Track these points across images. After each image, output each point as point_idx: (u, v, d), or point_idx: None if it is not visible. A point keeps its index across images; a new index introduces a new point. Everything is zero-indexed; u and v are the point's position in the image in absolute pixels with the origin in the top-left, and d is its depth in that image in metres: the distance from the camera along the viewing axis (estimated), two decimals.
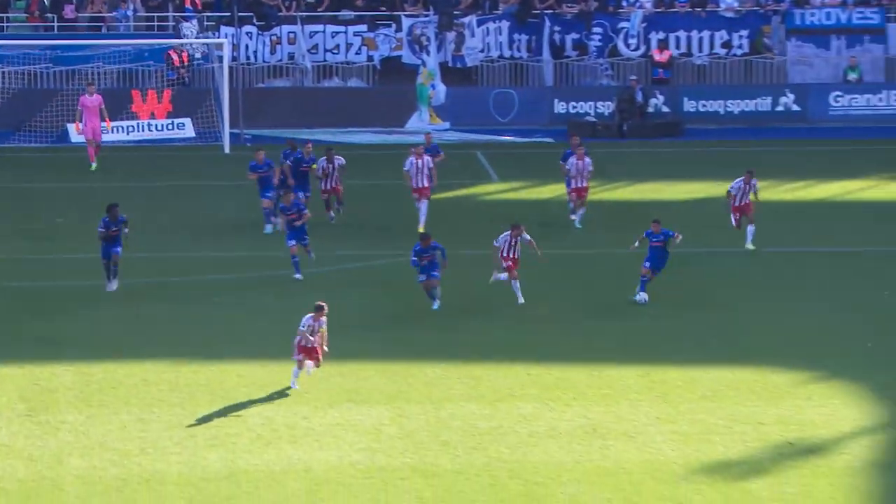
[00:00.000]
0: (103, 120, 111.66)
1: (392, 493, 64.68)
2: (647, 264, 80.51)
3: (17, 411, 69.44)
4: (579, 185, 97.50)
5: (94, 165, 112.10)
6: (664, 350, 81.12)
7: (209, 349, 79.50)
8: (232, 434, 68.97)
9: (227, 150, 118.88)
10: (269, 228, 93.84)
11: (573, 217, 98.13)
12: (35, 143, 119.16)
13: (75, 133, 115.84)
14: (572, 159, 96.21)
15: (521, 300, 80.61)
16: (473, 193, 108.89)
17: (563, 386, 76.01)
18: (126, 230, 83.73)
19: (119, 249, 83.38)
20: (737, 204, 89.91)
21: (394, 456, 67.54)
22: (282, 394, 72.54)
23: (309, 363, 69.87)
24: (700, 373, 78.41)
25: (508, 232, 79.49)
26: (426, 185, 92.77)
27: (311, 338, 69.05)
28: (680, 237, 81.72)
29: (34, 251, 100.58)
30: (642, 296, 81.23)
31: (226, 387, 74.30)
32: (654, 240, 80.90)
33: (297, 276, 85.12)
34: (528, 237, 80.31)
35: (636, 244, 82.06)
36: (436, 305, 79.10)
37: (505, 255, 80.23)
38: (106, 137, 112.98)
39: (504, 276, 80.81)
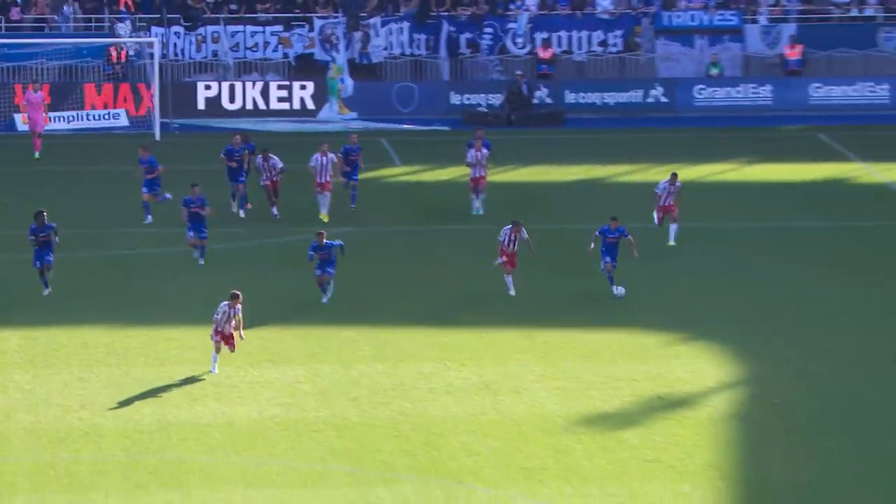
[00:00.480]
0: (45, 113, 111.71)
1: (306, 443, 66.15)
2: (608, 259, 79.50)
3: None
4: (477, 175, 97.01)
5: (37, 154, 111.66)
6: (547, 315, 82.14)
7: (142, 315, 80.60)
8: (163, 391, 70.39)
9: (157, 137, 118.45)
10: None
11: (476, 205, 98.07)
12: None
13: (21, 123, 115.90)
14: (472, 150, 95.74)
15: (512, 292, 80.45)
16: (378, 176, 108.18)
17: (460, 348, 77.63)
18: (57, 238, 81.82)
19: (51, 258, 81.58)
20: (661, 204, 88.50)
21: (308, 410, 69.27)
22: (207, 355, 72.71)
23: (226, 348, 69.53)
24: (579, 335, 79.76)
25: (510, 227, 78.98)
26: (328, 179, 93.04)
27: (227, 324, 68.68)
28: (634, 249, 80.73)
29: None
30: (619, 290, 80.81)
31: (157, 349, 75.37)
32: (610, 235, 79.76)
33: (201, 261, 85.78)
34: (525, 235, 79.51)
35: (591, 245, 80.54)
36: (325, 300, 78.19)
37: (505, 248, 79.48)
38: (50, 126, 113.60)
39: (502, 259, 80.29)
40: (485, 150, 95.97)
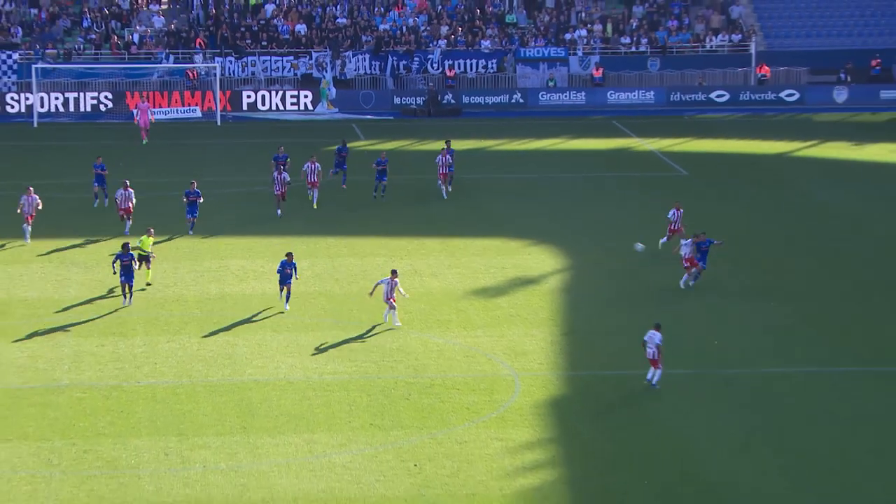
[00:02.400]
0: (151, 116, 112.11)
1: (306, 306, 71.29)
2: (701, 265, 71.14)
3: None
4: (444, 172, 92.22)
5: (144, 142, 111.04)
6: (454, 229, 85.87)
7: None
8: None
9: (218, 123, 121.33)
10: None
11: (445, 189, 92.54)
12: (122, 119, 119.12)
13: (134, 119, 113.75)
14: (439, 157, 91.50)
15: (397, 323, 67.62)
16: (351, 146, 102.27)
17: (401, 249, 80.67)
18: (201, 199, 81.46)
19: (196, 213, 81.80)
20: (674, 228, 77.70)
21: (309, 286, 73.89)
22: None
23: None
24: (473, 240, 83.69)
25: (388, 278, 66.96)
26: (316, 180, 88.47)
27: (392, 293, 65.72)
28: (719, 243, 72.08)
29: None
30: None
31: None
32: (703, 245, 71.25)
33: (190, 232, 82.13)
34: (397, 284, 67.16)
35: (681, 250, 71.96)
36: (287, 307, 68.82)
37: (385, 296, 66.89)
38: (156, 118, 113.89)
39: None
40: (448, 157, 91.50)
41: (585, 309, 70.57)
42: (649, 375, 58.79)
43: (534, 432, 55.06)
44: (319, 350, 63.95)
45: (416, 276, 74.55)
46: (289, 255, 67.10)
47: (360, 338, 65.53)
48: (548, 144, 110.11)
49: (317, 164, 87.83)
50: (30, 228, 79.56)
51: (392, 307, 65.15)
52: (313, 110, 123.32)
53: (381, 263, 75.31)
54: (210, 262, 77.33)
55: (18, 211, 79.81)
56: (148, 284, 71.15)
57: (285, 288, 66.82)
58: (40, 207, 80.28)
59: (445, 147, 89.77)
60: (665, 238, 76.51)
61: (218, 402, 57.92)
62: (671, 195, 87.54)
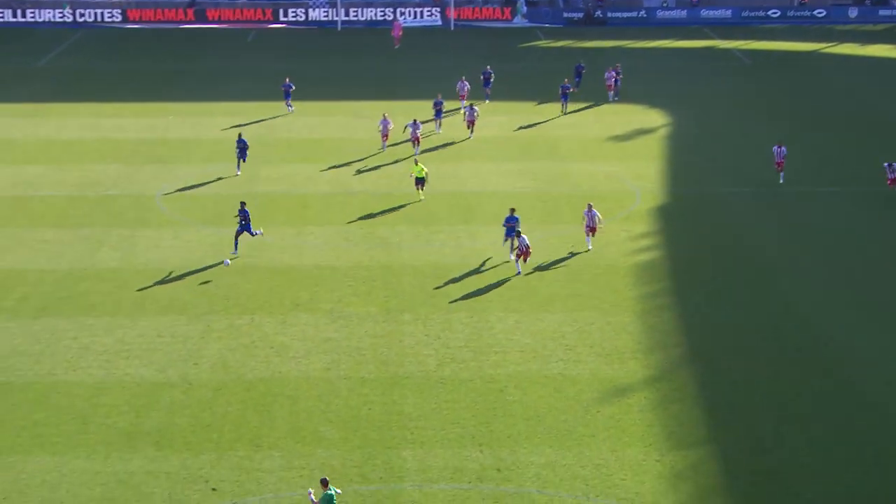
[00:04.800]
0: (400, 31, 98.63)
1: (354, 253, 58.08)
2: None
3: None
4: (610, 84, 78.54)
5: (397, 46, 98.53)
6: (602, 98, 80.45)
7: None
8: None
9: (452, 28, 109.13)
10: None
11: (610, 94, 79.13)
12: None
13: (393, 33, 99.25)
14: (608, 72, 78.20)
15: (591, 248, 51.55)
16: (534, 44, 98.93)
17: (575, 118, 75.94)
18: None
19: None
20: (778, 161, 60.72)
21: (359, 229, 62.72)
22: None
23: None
24: (610, 106, 79.19)
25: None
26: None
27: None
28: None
29: None
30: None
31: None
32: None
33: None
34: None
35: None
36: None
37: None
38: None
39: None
40: (614, 73, 78.37)
41: (687, 148, 69.10)
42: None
43: (647, 227, 55.62)
44: (515, 174, 64.94)
45: (574, 128, 73.55)
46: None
47: (538, 166, 66.23)
48: (663, 44, 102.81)
49: (466, 82, 74.69)
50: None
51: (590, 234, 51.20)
52: (511, 20, 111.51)
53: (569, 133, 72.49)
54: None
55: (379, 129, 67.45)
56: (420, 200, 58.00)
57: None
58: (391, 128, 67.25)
59: (615, 68, 79.68)
60: (782, 173, 61.46)
61: (449, 203, 59.29)
62: (742, 76, 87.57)
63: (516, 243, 48.45)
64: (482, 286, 47.52)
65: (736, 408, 38.04)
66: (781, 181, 60.22)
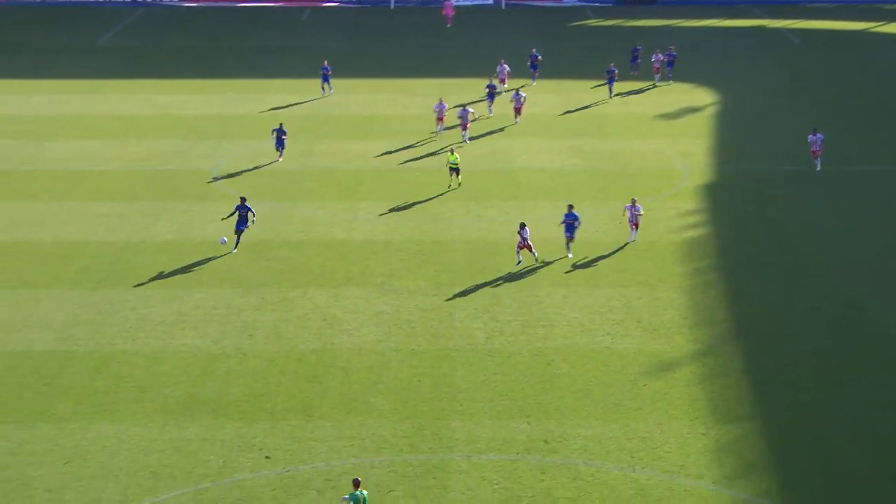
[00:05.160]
0: (451, 11, 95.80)
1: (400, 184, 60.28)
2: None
3: None
4: (658, 66, 75.59)
5: (448, 25, 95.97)
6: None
7: None
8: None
9: (503, 7, 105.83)
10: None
11: (656, 77, 75.35)
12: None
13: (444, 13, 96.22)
14: (655, 55, 73.62)
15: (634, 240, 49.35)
16: (582, 23, 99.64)
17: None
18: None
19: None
20: (814, 150, 58.51)
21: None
22: None
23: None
24: (669, 85, 78.68)
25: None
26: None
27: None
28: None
29: None
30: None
31: None
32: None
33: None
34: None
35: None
36: (234, 250, 49.02)
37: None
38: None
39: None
40: (662, 56, 74.49)
41: (735, 126, 68.34)
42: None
43: (695, 205, 55.42)
44: (565, 151, 64.27)
45: (622, 106, 72.70)
46: (243, 198, 48.91)
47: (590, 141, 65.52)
48: (712, 23, 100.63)
49: (506, 65, 72.46)
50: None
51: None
52: (562, 1, 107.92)
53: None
54: None
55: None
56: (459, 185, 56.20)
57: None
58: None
59: (669, 50, 76.97)
60: (817, 161, 58.94)
61: (499, 180, 59.25)
62: (791, 55, 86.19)
63: (571, 244, 47.23)
64: (531, 261, 47.61)
65: (780, 383, 37.92)
66: (818, 168, 58.68)
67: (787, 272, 46.81)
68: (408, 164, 61.27)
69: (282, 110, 69.69)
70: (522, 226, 46.10)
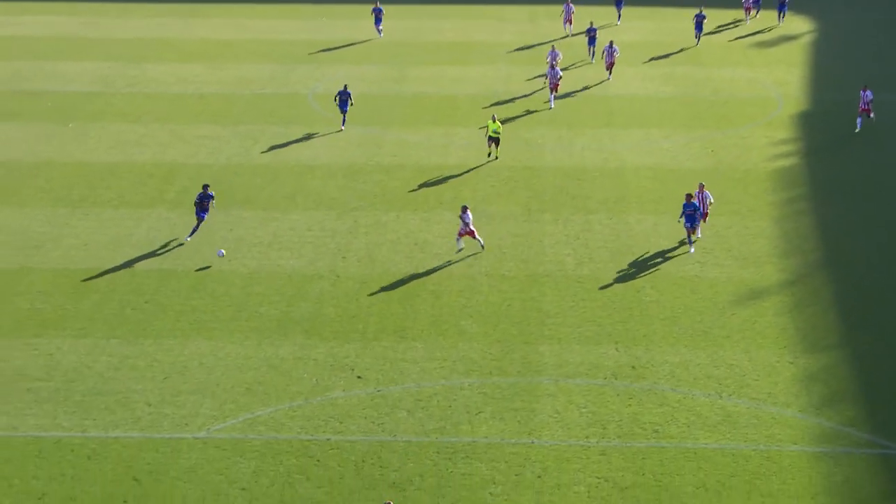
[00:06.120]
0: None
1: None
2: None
3: None
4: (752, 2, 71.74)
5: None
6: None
7: None
8: None
9: None
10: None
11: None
12: None
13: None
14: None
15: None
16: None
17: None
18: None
19: None
20: (864, 107, 53.21)
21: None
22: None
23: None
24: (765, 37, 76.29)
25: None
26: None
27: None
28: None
29: None
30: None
31: None
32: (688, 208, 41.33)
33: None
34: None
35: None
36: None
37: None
38: None
39: None
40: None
41: (831, 55, 67.69)
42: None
43: (788, 134, 54.71)
44: (657, 79, 63.65)
45: (716, 34, 71.99)
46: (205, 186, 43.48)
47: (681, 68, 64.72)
48: None
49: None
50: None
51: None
52: None
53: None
54: None
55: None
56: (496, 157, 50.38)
57: None
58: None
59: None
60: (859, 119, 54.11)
61: (591, 108, 58.69)
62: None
63: (693, 236, 41.74)
64: (622, 189, 47.32)
65: (869, 313, 37.47)
66: (858, 129, 53.48)
67: (879, 201, 46.28)
68: (502, 90, 60.65)
69: (371, 40, 69.39)
70: (464, 209, 41.12)
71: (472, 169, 49.71)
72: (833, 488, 28.82)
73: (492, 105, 58.12)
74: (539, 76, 62.14)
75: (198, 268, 40.74)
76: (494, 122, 49.15)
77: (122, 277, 39.97)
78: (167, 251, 41.88)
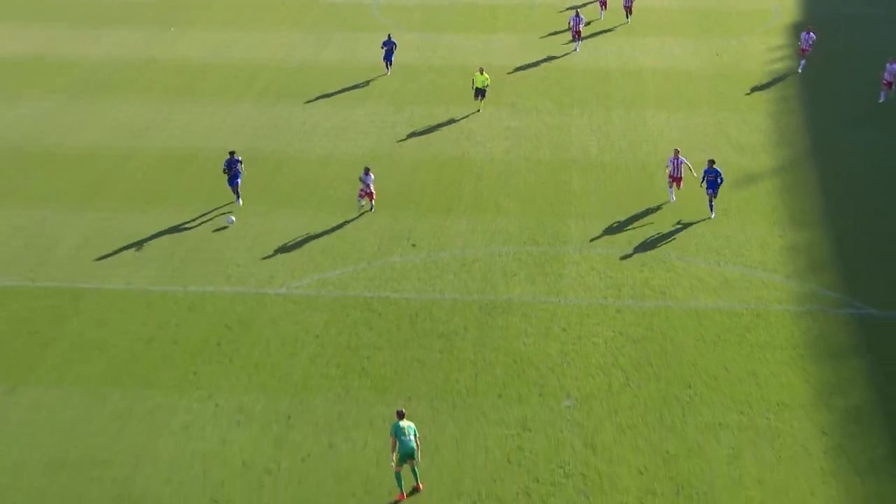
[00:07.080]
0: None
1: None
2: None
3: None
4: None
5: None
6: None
7: None
8: None
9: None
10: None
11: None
12: None
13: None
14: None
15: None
16: None
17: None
18: None
19: None
20: (804, 47, 47.54)
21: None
22: None
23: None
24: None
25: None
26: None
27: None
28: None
29: None
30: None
31: None
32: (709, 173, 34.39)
33: None
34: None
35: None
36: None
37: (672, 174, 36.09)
38: None
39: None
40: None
41: None
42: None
43: (784, 41, 52.77)
44: (687, 55, 61.56)
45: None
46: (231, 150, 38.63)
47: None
48: None
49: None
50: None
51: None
52: None
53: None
54: None
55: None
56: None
57: None
58: None
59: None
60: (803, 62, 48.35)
61: (615, 19, 57.21)
62: None
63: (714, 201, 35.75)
64: (639, 88, 46.73)
65: (848, 197, 36.97)
66: (882, 99, 44.64)
67: (864, 99, 45.22)
68: (538, 1, 59.86)
69: None
70: (367, 171, 35.73)
71: (512, 68, 49.02)
72: (811, 341, 29.03)
73: (526, 13, 57.03)
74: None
75: (278, 152, 40.72)
76: (482, 73, 43.73)
77: (218, 157, 40.00)
78: (254, 137, 41.68)
